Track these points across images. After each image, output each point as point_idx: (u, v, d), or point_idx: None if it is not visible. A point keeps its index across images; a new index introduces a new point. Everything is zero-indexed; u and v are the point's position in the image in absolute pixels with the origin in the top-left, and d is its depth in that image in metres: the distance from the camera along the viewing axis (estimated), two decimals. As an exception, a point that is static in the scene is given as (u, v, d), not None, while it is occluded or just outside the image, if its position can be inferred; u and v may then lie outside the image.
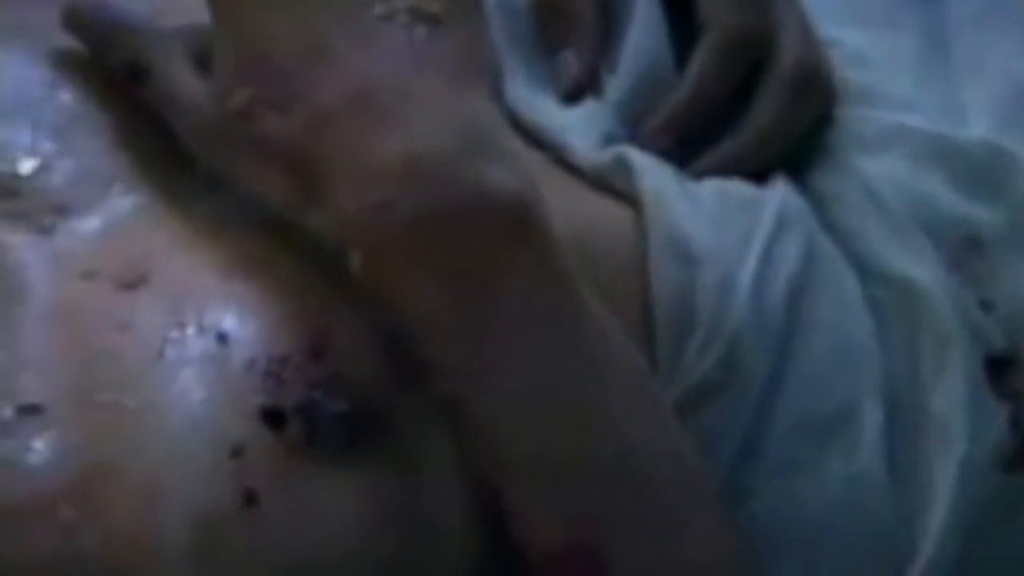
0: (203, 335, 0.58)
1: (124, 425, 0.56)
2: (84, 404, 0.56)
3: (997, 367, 0.69)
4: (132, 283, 0.60)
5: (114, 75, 0.65)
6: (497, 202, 0.58)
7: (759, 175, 0.74)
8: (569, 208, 0.68)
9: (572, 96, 0.76)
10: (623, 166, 0.71)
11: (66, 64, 0.66)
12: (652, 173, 0.70)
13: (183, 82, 0.63)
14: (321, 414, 0.58)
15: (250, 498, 0.56)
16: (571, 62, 0.77)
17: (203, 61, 0.63)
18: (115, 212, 0.62)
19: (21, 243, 0.61)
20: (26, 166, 0.63)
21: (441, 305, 0.58)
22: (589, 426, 0.59)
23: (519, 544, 0.60)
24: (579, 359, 0.60)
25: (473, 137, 0.59)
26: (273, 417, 0.57)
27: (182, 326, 0.58)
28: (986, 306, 0.70)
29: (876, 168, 0.74)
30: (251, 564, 0.56)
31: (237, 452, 0.56)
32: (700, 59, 0.75)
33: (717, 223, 0.69)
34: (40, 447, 0.55)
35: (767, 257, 0.69)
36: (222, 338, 0.58)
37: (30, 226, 0.61)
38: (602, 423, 0.60)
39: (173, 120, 0.63)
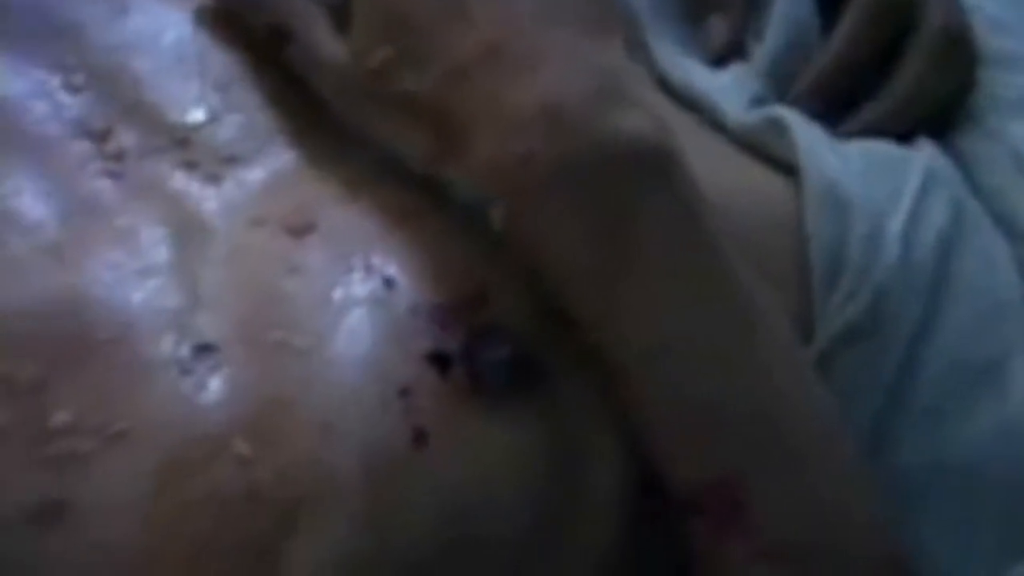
0: (370, 279, 0.60)
1: (295, 364, 0.57)
2: (257, 343, 0.58)
3: None
4: (299, 230, 0.61)
5: (257, 36, 0.66)
6: (634, 147, 0.59)
7: (904, 137, 0.74)
8: (720, 166, 0.69)
9: (719, 61, 0.77)
10: (775, 125, 0.72)
11: (218, 21, 0.67)
12: (804, 130, 0.71)
13: (324, 43, 0.64)
14: (484, 359, 0.59)
15: (419, 437, 0.57)
16: (718, 28, 0.78)
17: (341, 21, 0.64)
18: (279, 163, 0.64)
19: (196, 191, 0.62)
20: (196, 116, 0.65)
21: (584, 251, 0.59)
22: (731, 368, 0.60)
23: (662, 487, 0.61)
24: (720, 302, 0.61)
25: (607, 85, 0.60)
26: (439, 360, 0.59)
27: (349, 271, 0.60)
28: None
29: (1020, 130, 0.74)
30: (418, 502, 0.57)
31: (405, 392, 0.58)
32: (847, 24, 0.76)
33: (866, 179, 0.70)
34: (215, 385, 0.57)
35: (915, 212, 0.69)
36: (388, 283, 0.60)
37: (202, 174, 0.63)
38: (743, 365, 0.61)
39: (314, 81, 0.65)
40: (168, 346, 0.57)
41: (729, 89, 0.75)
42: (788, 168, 0.71)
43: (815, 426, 0.63)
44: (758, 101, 0.75)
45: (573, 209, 0.59)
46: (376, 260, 0.60)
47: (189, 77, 0.65)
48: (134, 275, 0.59)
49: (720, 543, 0.60)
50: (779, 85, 0.76)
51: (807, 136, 0.71)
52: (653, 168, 0.60)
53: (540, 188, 0.59)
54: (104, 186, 0.61)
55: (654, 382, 0.60)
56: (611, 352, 0.60)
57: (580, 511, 0.61)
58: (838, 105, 0.75)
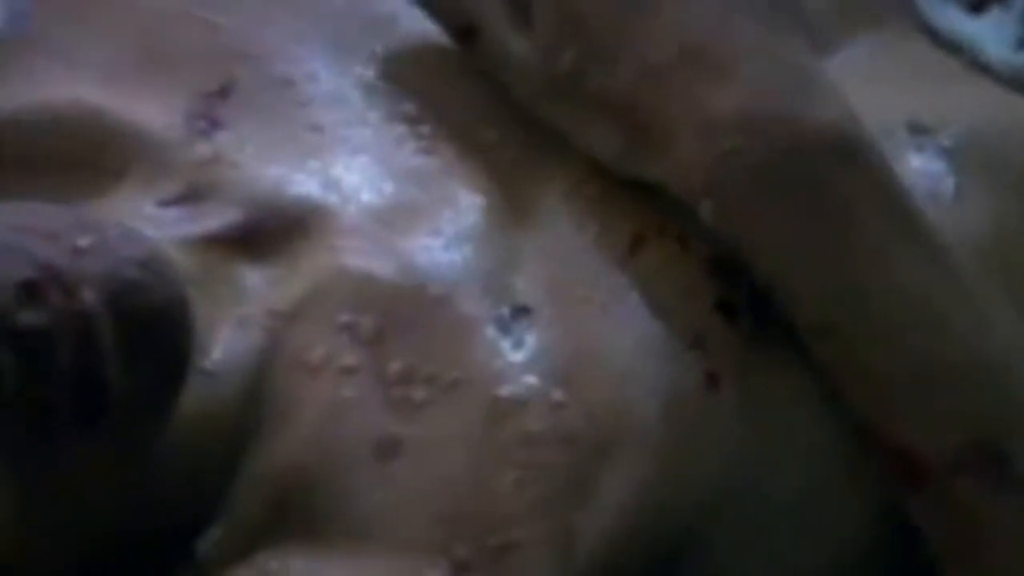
0: (664, 239, 0.65)
1: (599, 318, 0.64)
2: (565, 301, 0.64)
3: None
4: (595, 198, 0.67)
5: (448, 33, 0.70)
6: (831, 135, 0.63)
7: None
8: (993, 104, 0.73)
9: (978, 6, 0.80)
10: None
11: None
12: None
13: (510, 42, 0.68)
14: (771, 308, 0.64)
15: (712, 382, 0.63)
16: None
17: (524, 17, 0.68)
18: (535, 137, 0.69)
19: (504, 165, 0.69)
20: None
21: (796, 239, 0.63)
22: (960, 328, 0.63)
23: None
24: (938, 266, 0.64)
25: (795, 76, 0.64)
26: (727, 309, 0.64)
27: (646, 232, 0.66)
28: None
29: None
30: (710, 444, 0.63)
31: (697, 341, 0.64)
32: None
33: None
34: (531, 341, 0.63)
35: None
36: (683, 241, 0.65)
37: (510, 152, 0.69)
38: (971, 324, 0.64)
39: (504, 78, 0.69)
40: (488, 306, 0.64)
41: (991, 33, 0.78)
42: None
43: None
44: (1021, 44, 0.78)
45: (780, 200, 0.63)
46: (671, 221, 0.65)
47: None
48: (455, 241, 0.66)
49: (995, 497, 0.63)
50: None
51: None
52: (850, 151, 0.63)
53: (747, 184, 0.63)
54: (421, 162, 0.68)
55: (891, 350, 0.63)
56: (838, 332, 0.63)
57: (853, 479, 0.65)
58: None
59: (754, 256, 0.64)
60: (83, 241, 0.57)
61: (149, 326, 0.58)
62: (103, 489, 0.59)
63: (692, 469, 0.63)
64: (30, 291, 0.54)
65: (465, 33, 0.69)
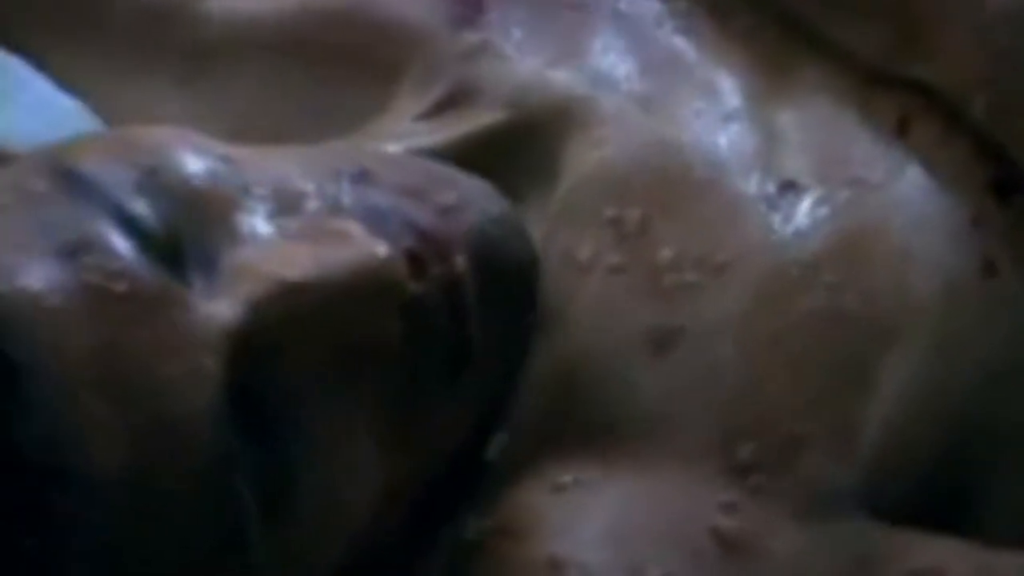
0: (931, 119, 0.64)
1: (873, 197, 0.63)
2: (835, 179, 0.63)
3: None
4: (853, 80, 0.66)
5: None
6: None
7: None
8: None
9: None
10: None
11: None
12: None
13: None
14: None
15: (988, 266, 0.62)
16: None
17: None
18: None
19: (766, 44, 0.67)
20: None
21: None
22: None
23: None
24: None
25: None
26: (1002, 191, 0.63)
27: (912, 112, 0.64)
28: None
29: None
30: (985, 329, 0.62)
31: (975, 222, 0.62)
32: None
33: None
34: (800, 218, 0.62)
35: None
36: (950, 120, 0.64)
37: (772, 28, 0.68)
38: None
39: None
40: (755, 184, 0.63)
41: None
42: None
43: None
44: None
45: None
46: (935, 102, 0.64)
47: None
48: (718, 121, 0.65)
49: None
50: None
51: None
52: None
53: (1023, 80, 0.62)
54: (680, 42, 0.67)
55: None
56: None
57: None
58: None
59: None
60: (446, 198, 0.59)
61: (507, 282, 0.59)
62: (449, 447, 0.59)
63: (972, 354, 0.61)
64: (414, 261, 0.56)
65: None
